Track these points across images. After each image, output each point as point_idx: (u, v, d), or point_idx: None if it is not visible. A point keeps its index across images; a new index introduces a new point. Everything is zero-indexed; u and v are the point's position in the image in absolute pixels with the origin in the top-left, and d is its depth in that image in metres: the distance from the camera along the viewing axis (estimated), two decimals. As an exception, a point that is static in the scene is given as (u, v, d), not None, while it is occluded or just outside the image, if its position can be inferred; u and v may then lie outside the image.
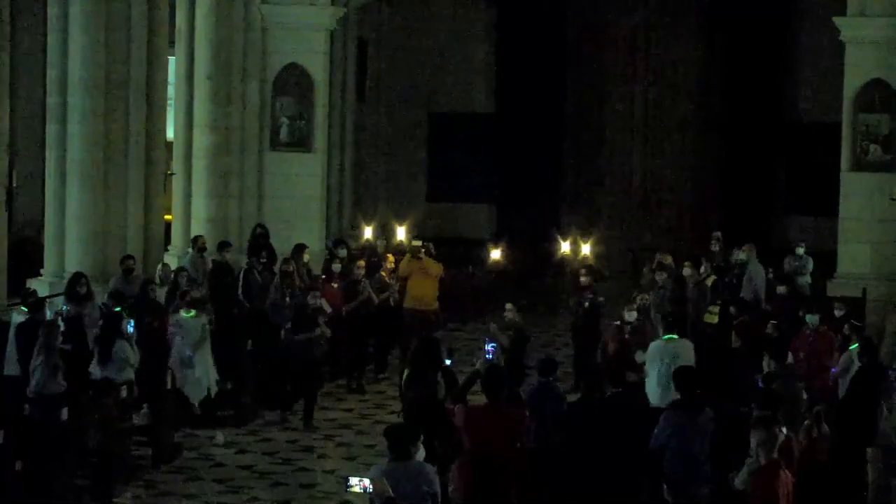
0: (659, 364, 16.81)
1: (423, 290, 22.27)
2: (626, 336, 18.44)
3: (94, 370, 17.71)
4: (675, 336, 17.17)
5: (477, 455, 12.29)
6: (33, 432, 15.30)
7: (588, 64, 33.42)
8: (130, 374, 17.53)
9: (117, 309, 18.55)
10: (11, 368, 17.95)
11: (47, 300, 19.51)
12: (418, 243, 22.95)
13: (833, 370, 17.54)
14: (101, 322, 18.44)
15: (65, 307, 19.18)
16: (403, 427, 10.84)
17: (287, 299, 21.00)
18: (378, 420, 19.42)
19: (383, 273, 22.94)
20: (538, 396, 14.70)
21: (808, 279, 24.30)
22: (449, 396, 13.46)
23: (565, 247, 27.39)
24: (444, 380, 14.68)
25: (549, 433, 14.18)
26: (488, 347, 14.13)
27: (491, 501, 12.27)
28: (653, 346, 17.28)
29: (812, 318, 18.19)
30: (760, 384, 16.65)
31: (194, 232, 25.14)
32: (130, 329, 18.12)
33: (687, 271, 22.06)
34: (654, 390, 16.81)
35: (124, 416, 16.56)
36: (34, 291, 19.64)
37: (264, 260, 22.45)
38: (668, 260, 22.74)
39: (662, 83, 33.58)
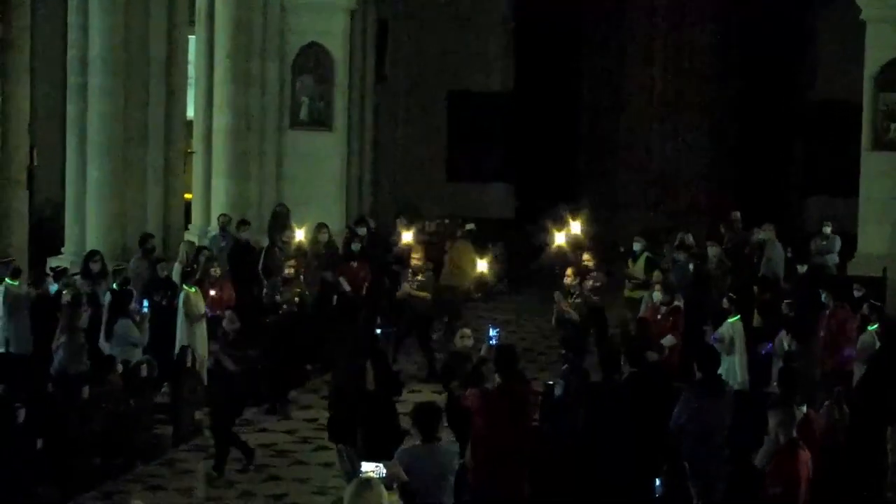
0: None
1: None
2: (659, 317, 18.01)
3: (104, 346, 17.83)
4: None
5: (491, 437, 12.30)
6: (55, 411, 15.38)
7: (606, 44, 33.37)
8: (136, 354, 17.52)
9: (120, 287, 18.72)
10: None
11: (48, 275, 19.55)
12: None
13: (847, 351, 17.45)
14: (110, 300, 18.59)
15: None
16: (431, 408, 10.75)
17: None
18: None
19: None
20: (574, 377, 14.72)
21: (835, 258, 24.23)
22: (459, 384, 13.56)
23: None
24: (373, 368, 14.87)
25: (574, 411, 14.17)
26: (492, 333, 14.18)
27: (504, 482, 12.30)
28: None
29: (826, 298, 18.08)
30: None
31: (215, 211, 25.20)
32: (144, 309, 18.16)
33: (711, 250, 21.99)
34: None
35: (131, 394, 16.50)
36: (65, 269, 19.74)
37: (287, 240, 22.51)
38: (690, 239, 22.73)
39: (680, 63, 33.48)
